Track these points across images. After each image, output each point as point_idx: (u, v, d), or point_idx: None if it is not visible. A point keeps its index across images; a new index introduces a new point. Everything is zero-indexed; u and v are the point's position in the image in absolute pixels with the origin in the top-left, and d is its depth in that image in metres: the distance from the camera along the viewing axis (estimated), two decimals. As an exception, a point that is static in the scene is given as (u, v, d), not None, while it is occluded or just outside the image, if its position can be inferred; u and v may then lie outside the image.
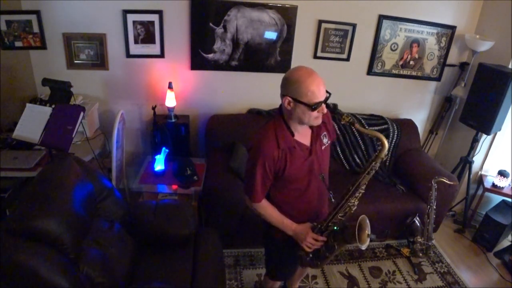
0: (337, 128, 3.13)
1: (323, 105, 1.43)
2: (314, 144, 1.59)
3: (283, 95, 1.46)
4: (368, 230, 1.52)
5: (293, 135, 1.54)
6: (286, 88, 1.44)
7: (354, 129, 3.13)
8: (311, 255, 1.69)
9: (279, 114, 1.55)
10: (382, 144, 1.42)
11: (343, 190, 1.57)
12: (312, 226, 1.63)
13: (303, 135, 1.57)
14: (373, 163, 1.47)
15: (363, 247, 1.50)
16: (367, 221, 1.52)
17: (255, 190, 1.55)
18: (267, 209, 1.62)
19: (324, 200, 1.76)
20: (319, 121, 1.49)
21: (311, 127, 1.58)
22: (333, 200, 1.61)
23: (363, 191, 1.53)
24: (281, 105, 1.53)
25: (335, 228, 1.58)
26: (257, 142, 1.53)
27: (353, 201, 1.54)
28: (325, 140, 1.64)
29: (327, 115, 1.63)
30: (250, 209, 1.65)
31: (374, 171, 1.48)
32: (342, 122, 1.50)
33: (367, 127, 3.17)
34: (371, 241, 1.51)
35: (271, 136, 1.51)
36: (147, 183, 2.65)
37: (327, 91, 1.43)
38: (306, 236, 1.59)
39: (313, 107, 1.40)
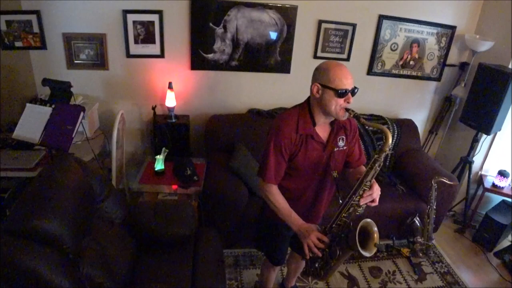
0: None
1: (350, 95, 1.46)
2: (331, 142, 1.62)
3: (312, 84, 1.51)
4: (375, 238, 1.42)
5: (314, 124, 1.56)
6: (316, 76, 1.52)
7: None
8: (316, 265, 1.66)
9: (306, 103, 1.59)
10: (386, 137, 1.40)
11: (346, 189, 1.56)
12: (318, 228, 1.59)
13: (322, 129, 1.61)
14: (376, 156, 1.43)
15: (367, 255, 1.40)
16: (374, 227, 1.44)
17: (267, 168, 1.58)
18: (277, 197, 1.62)
19: (320, 200, 1.76)
20: (344, 115, 1.49)
21: (331, 125, 1.61)
22: (340, 201, 1.56)
23: (367, 188, 1.47)
24: (308, 97, 1.59)
25: (343, 235, 1.51)
26: (277, 123, 1.58)
27: (357, 199, 1.48)
28: (340, 143, 1.65)
29: (354, 126, 1.68)
30: (260, 194, 1.67)
31: (378, 166, 1.43)
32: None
33: (367, 127, 3.17)
34: (378, 251, 1.39)
35: (293, 120, 1.56)
36: (147, 183, 2.65)
37: (355, 87, 1.48)
38: (310, 234, 1.52)
39: (339, 92, 1.43)
